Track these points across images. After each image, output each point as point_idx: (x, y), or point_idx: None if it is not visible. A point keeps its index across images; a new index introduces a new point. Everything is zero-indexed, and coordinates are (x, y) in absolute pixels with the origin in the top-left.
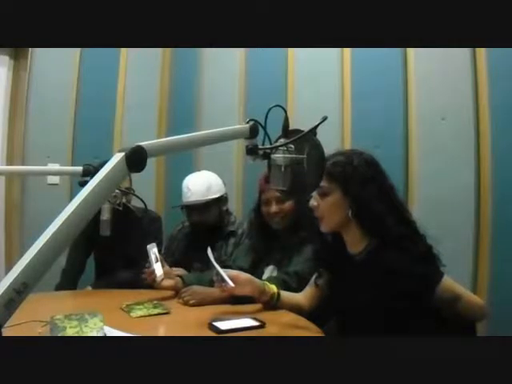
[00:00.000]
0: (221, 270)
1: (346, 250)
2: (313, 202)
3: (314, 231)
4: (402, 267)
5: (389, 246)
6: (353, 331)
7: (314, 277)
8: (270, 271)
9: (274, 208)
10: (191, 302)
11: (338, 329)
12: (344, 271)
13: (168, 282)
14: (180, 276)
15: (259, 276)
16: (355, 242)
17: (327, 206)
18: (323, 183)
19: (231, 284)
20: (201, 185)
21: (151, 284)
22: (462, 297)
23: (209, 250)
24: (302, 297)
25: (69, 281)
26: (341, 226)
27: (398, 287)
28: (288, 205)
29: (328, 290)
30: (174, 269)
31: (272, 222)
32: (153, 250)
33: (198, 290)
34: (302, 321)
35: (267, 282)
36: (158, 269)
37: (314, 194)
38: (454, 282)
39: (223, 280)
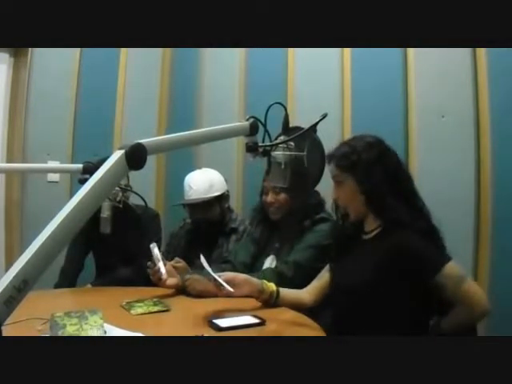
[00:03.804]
0: (217, 277)
1: (363, 231)
2: (333, 195)
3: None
4: (409, 246)
5: (397, 227)
6: (350, 311)
7: (322, 271)
8: (269, 261)
9: (269, 197)
10: (192, 291)
11: (334, 313)
12: (351, 249)
13: (171, 281)
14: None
15: (260, 267)
16: (370, 223)
17: (344, 196)
18: (336, 173)
19: (230, 289)
20: (202, 183)
21: (156, 283)
22: (467, 279)
23: (202, 258)
24: (305, 292)
25: (67, 279)
26: (364, 212)
27: (402, 266)
28: (283, 195)
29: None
30: (176, 259)
31: (269, 212)
32: (155, 250)
33: (200, 280)
34: (303, 318)
35: (265, 281)
36: (162, 268)
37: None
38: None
39: (221, 285)
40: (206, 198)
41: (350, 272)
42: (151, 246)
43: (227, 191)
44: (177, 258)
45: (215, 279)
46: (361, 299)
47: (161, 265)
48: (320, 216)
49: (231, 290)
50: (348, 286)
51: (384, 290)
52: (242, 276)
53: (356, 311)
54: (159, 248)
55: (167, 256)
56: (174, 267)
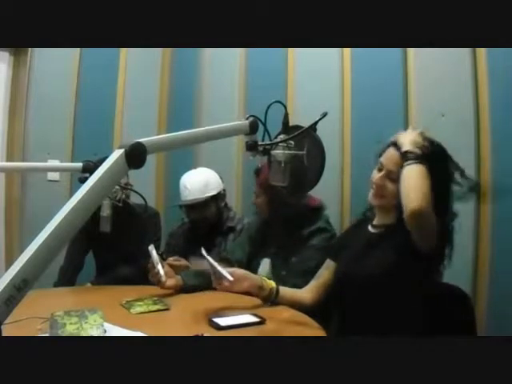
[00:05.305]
0: (218, 266)
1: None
2: (378, 181)
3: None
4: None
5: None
6: (366, 301)
7: (320, 269)
8: (266, 263)
9: (253, 199)
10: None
11: (345, 305)
12: (354, 241)
13: (171, 282)
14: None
15: (255, 267)
16: (384, 218)
17: (393, 191)
18: (395, 169)
19: (230, 278)
20: (198, 183)
21: (156, 284)
22: None
23: (203, 250)
24: (305, 291)
25: (67, 278)
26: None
27: (403, 262)
28: (260, 199)
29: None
30: (175, 258)
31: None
32: (153, 252)
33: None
34: (303, 317)
35: (264, 277)
36: (161, 270)
37: (382, 173)
38: None
39: (221, 276)
40: (201, 199)
41: (363, 263)
42: (149, 248)
43: (223, 190)
44: (176, 257)
45: (214, 271)
46: (378, 288)
47: (159, 267)
48: (317, 226)
49: (230, 278)
50: (365, 277)
51: (401, 276)
52: (241, 271)
53: (372, 300)
54: (159, 247)
55: (167, 255)
56: (174, 266)
